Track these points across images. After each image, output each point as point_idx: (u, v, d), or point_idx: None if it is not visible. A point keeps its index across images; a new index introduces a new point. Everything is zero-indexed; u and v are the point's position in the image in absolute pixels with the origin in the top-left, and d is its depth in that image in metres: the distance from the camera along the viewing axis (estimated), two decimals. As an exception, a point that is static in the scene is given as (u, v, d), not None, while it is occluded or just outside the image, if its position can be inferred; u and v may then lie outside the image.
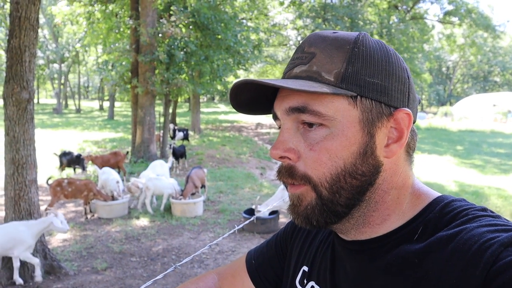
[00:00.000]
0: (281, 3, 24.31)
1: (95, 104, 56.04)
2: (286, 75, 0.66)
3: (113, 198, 7.08)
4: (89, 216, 7.03)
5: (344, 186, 0.62)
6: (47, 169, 11.04)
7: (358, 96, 0.61)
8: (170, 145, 11.51)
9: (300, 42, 0.69)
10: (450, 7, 26.44)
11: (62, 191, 6.69)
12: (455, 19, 27.28)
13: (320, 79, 0.62)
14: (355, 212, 0.64)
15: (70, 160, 10.12)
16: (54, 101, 52.03)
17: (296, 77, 0.64)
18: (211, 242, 5.82)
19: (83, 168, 10.18)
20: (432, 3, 27.10)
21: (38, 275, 4.43)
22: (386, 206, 0.64)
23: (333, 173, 0.61)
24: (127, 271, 4.87)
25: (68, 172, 10.61)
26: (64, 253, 5.38)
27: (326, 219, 0.63)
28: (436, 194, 0.67)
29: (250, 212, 6.63)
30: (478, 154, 16.06)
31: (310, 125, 0.62)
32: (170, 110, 24.23)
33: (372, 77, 0.61)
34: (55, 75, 40.43)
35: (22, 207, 4.37)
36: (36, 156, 4.51)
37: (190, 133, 19.34)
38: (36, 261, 4.40)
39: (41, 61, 42.25)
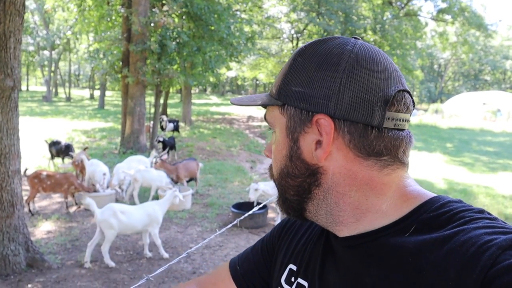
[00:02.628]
0: (275, -4, 24.14)
1: (86, 92, 55.43)
2: None
3: (95, 190, 6.95)
4: (74, 209, 6.92)
5: (285, 185, 0.70)
6: (35, 158, 10.88)
7: (285, 105, 0.67)
8: (158, 137, 11.38)
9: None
10: (443, 5, 26.47)
11: (40, 183, 6.50)
12: (448, 17, 27.34)
13: (271, 93, 0.71)
14: (315, 209, 0.68)
15: (58, 149, 9.96)
16: (44, 88, 51.38)
17: (269, 93, 0.73)
18: (198, 236, 5.77)
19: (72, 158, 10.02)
20: (426, 0, 27.10)
21: (164, 253, 5.09)
22: (354, 206, 0.65)
23: (278, 173, 0.71)
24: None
25: (57, 161, 10.44)
26: (48, 246, 5.28)
27: (288, 211, 0.72)
28: (432, 194, 0.66)
29: (239, 206, 6.57)
30: (467, 152, 16.16)
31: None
32: (161, 101, 24.10)
33: (297, 86, 0.65)
34: (45, 62, 39.79)
35: (4, 198, 4.26)
36: (20, 145, 4.39)
37: (181, 124, 19.18)
38: (159, 241, 5.11)
39: (31, 48, 41.65)
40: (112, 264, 4.78)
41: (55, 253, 5.08)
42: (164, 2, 11.84)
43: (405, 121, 0.65)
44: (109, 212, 4.83)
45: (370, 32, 23.71)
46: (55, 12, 15.96)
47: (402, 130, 0.65)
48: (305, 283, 0.74)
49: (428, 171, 11.14)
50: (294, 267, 0.79)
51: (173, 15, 12.17)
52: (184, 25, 12.81)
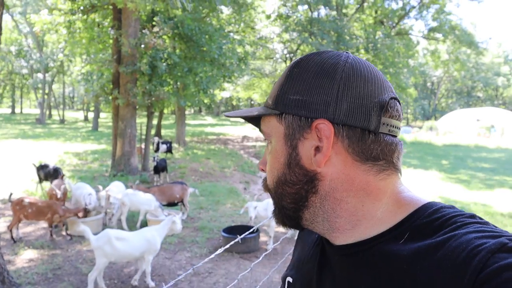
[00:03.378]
0: (268, 17, 24.32)
1: (80, 114, 55.30)
2: None
3: (85, 210, 6.72)
4: (63, 234, 6.66)
5: (282, 193, 0.70)
6: (24, 181, 10.64)
7: (283, 114, 0.68)
8: (154, 158, 11.18)
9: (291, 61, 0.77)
10: (434, 24, 26.84)
11: (22, 211, 6.24)
12: (439, 35, 27.67)
13: (267, 104, 0.72)
14: (311, 217, 0.68)
15: (47, 173, 9.74)
16: (37, 111, 51.20)
17: (263, 105, 0.75)
18: (187, 262, 5.53)
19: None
20: (416, 19, 27.52)
21: (150, 281, 4.87)
22: (350, 212, 0.66)
23: (274, 182, 0.71)
24: (94, 296, 4.54)
25: (45, 185, 10.20)
26: (27, 275, 5.02)
27: (284, 221, 0.72)
28: (425, 200, 0.67)
29: (229, 230, 6.35)
30: (463, 168, 16.04)
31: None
32: (155, 122, 23.99)
33: (295, 94, 0.66)
34: (39, 85, 39.72)
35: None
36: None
37: (175, 145, 18.99)
38: (149, 269, 4.90)
39: (24, 71, 41.65)
40: None
41: (35, 283, 4.82)
42: (154, 23, 11.81)
43: (398, 128, 0.67)
44: (104, 239, 4.59)
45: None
46: (43, 35, 15.87)
47: (395, 136, 0.67)
48: None
49: (424, 189, 10.97)
50: (290, 279, 0.80)
51: (164, 36, 12.12)
52: (175, 46, 12.76)
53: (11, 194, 6.63)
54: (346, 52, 0.69)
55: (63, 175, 8.94)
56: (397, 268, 0.58)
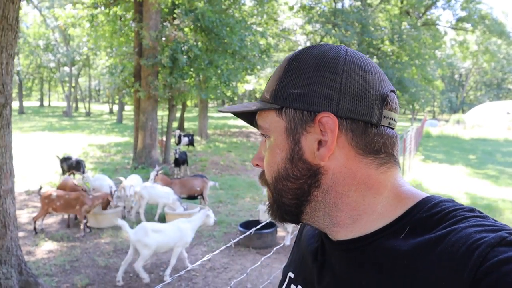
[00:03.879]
0: (291, 8, 24.05)
1: (106, 107, 56.26)
2: None
3: (111, 196, 6.74)
4: (82, 226, 6.72)
5: (283, 188, 0.68)
6: (48, 173, 10.84)
7: (283, 108, 0.66)
8: (175, 150, 11.20)
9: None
10: (463, 13, 25.98)
11: (50, 204, 6.31)
12: (468, 26, 26.82)
13: (263, 99, 0.70)
14: (312, 211, 0.67)
15: (70, 165, 9.90)
16: (65, 104, 52.32)
17: (260, 99, 0.72)
18: (203, 257, 5.49)
19: (83, 172, 9.92)
20: (444, 9, 26.70)
21: (167, 274, 4.88)
22: (351, 207, 0.65)
23: (274, 177, 0.69)
24: (109, 289, 4.55)
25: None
26: (45, 267, 5.08)
27: (283, 216, 0.71)
28: (424, 194, 0.67)
29: (246, 225, 6.27)
30: (491, 163, 15.51)
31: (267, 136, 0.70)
32: (178, 115, 24.09)
33: (295, 88, 0.65)
34: (66, 78, 40.52)
35: (-4, 219, 4.07)
36: (12, 164, 4.21)
37: (197, 138, 19.05)
38: (174, 262, 4.94)
39: (52, 64, 42.55)
40: (147, 277, 4.73)
41: (52, 275, 4.87)
42: (175, 16, 11.78)
43: (395, 121, 0.68)
44: (142, 232, 4.76)
45: (387, 43, 23.33)
46: (67, 29, 16.09)
47: (393, 129, 0.67)
48: None
49: (449, 185, 10.65)
50: (292, 275, 0.79)
51: (184, 29, 12.09)
52: (196, 38, 12.71)
53: (40, 188, 6.72)
54: (343, 45, 0.68)
55: (72, 172, 9.11)
56: (397, 263, 0.58)
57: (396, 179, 0.67)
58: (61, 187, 7.14)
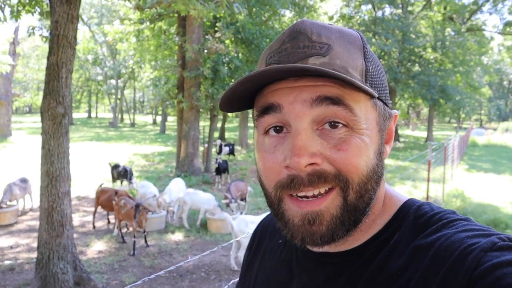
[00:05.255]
0: (330, 18, 24.15)
1: (149, 118, 58.07)
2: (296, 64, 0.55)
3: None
4: (125, 230, 7.10)
5: (369, 189, 0.58)
6: (96, 180, 11.44)
7: (376, 98, 0.59)
8: (216, 159, 11.55)
9: (291, 26, 0.61)
10: (511, 17, 25.10)
11: (118, 211, 6.35)
12: (516, 30, 25.84)
13: (348, 75, 0.55)
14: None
15: (118, 172, 10.43)
16: (111, 115, 54.49)
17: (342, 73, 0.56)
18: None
19: (130, 181, 10.42)
20: (490, 13, 25.97)
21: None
22: (373, 210, 0.61)
23: (365, 174, 0.57)
24: (154, 287, 4.84)
25: (115, 185, 10.91)
26: (96, 265, 5.46)
27: (346, 231, 0.57)
28: (403, 197, 0.66)
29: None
30: (542, 174, 14.84)
31: (333, 125, 0.56)
32: (219, 125, 24.64)
33: (383, 79, 0.61)
34: (112, 91, 42.32)
35: (55, 218, 4.47)
36: (69, 169, 4.61)
37: (237, 148, 19.42)
38: None
39: (99, 77, 44.54)
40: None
41: (102, 272, 5.23)
42: (216, 29, 12.21)
43: None
44: (243, 222, 5.51)
45: (429, 50, 22.91)
46: (116, 44, 16.97)
47: None
48: None
49: (493, 194, 10.33)
50: None
51: (226, 41, 12.49)
52: (237, 50, 13.09)
53: (116, 192, 6.72)
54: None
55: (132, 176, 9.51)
56: (390, 276, 0.56)
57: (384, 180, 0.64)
58: (100, 193, 7.21)
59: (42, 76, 43.27)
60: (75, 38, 4.61)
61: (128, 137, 27.67)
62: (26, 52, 40.46)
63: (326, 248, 0.61)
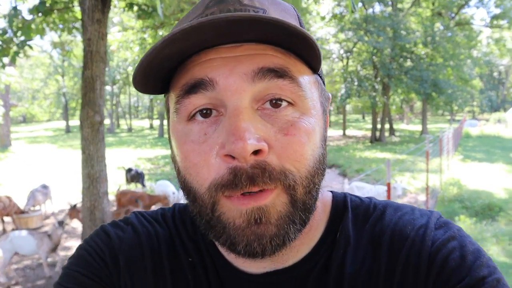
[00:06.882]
0: (323, 18, 24.64)
1: (145, 123, 58.33)
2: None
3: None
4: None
5: (316, 182, 0.49)
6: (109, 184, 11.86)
7: (318, 75, 0.53)
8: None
9: None
10: (497, 11, 25.79)
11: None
12: (504, 23, 26.51)
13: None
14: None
15: (132, 176, 10.90)
16: (107, 121, 54.74)
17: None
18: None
19: (143, 184, 10.88)
20: (477, 7, 26.64)
21: None
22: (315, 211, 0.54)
23: (312, 165, 0.48)
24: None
25: (129, 187, 11.35)
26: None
27: (297, 231, 0.48)
28: (327, 192, 0.62)
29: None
30: (533, 161, 15.47)
31: (276, 103, 0.47)
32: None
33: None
34: (108, 97, 42.66)
35: (96, 216, 4.95)
36: (107, 171, 5.09)
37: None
38: None
39: (95, 84, 44.77)
40: None
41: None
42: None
43: None
44: None
45: (420, 45, 23.51)
46: (118, 52, 17.39)
47: None
48: None
49: (487, 181, 10.88)
50: None
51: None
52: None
53: (137, 200, 7.26)
54: None
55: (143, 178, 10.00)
56: (356, 272, 0.54)
57: None
58: (120, 195, 7.87)
59: (36, 85, 43.60)
60: (105, 53, 5.09)
61: (128, 142, 28.03)
62: (20, 62, 40.69)
63: (269, 266, 0.53)
